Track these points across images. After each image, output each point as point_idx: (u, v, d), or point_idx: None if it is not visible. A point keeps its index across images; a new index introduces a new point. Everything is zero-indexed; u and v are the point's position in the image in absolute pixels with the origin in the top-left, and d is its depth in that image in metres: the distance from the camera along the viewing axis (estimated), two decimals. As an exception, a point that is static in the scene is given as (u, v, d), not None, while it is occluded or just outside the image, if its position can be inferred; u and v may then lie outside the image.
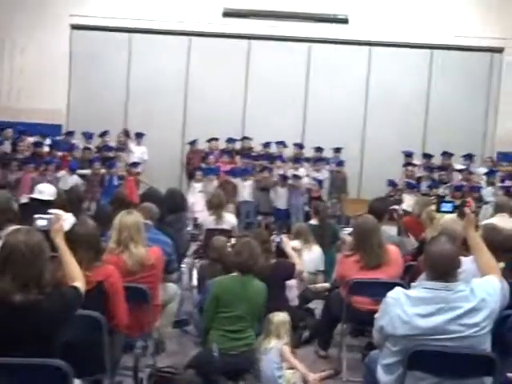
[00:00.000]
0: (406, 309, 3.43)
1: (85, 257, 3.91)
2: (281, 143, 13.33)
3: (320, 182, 12.10)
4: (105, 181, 11.61)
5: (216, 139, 13.34)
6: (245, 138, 13.64)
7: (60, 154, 12.10)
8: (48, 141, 12.48)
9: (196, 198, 10.96)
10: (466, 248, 4.24)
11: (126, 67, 14.39)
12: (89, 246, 3.99)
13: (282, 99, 14.10)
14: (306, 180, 12.27)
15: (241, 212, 11.37)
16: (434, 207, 6.35)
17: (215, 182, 11.59)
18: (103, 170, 11.68)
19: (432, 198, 8.92)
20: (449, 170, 12.45)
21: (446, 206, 4.31)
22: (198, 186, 11.58)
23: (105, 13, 14.02)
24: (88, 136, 13.06)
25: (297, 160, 12.79)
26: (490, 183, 11.59)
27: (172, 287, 5.63)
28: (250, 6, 14.10)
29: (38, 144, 11.97)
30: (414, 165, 12.55)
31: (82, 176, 11.41)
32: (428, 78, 14.29)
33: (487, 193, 11.37)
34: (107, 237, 4.92)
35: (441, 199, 4.54)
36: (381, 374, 3.64)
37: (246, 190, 11.96)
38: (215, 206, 7.86)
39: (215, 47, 14.26)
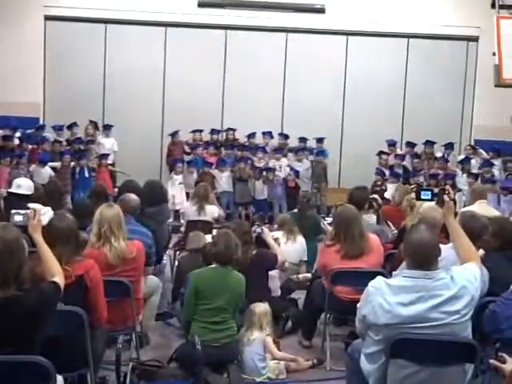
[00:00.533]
0: (387, 298, 3.45)
1: (64, 251, 3.88)
2: (267, 134, 13.30)
3: (297, 172, 12.14)
4: (76, 173, 11.53)
5: (200, 131, 13.31)
6: (229, 129, 13.59)
7: (30, 147, 11.94)
8: (18, 134, 12.31)
9: (176, 190, 10.94)
10: (445, 235, 4.28)
11: (102, 58, 14.23)
12: (67, 240, 3.96)
13: (259, 89, 14.06)
14: (287, 170, 12.31)
15: (221, 203, 11.38)
16: (413, 195, 6.42)
17: (195, 174, 11.57)
18: (73, 163, 11.60)
19: (412, 186, 9.01)
20: (431, 159, 12.52)
21: (426, 194, 4.33)
22: (178, 177, 11.56)
23: (79, 3, 13.81)
24: (58, 128, 12.90)
25: (280, 150, 12.80)
26: (466, 171, 11.66)
27: (154, 280, 5.61)
28: (225, -5, 14.04)
29: (7, 137, 11.75)
30: (387, 153, 12.61)
31: (53, 169, 11.31)
32: (405, 67, 14.34)
33: (462, 180, 11.49)
34: (88, 230, 4.88)
35: (420, 187, 4.57)
36: (364, 363, 3.66)
37: (223, 180, 11.97)
38: (200, 197, 7.85)
39: (192, 38, 14.17)
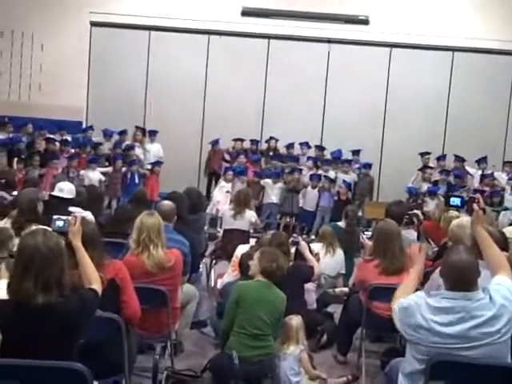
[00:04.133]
0: (425, 315, 3.39)
1: (94, 255, 3.85)
2: (305, 144, 13.28)
3: (349, 184, 11.93)
4: (127, 179, 11.64)
5: (242, 140, 13.32)
6: (271, 139, 13.58)
7: (72, 150, 12.10)
8: (68, 138, 12.53)
9: (222, 197, 10.89)
10: (478, 252, 4.15)
11: (145, 65, 14.40)
12: (95, 243, 3.94)
13: (301, 100, 14.05)
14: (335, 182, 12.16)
15: (262, 213, 11.33)
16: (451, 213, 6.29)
17: (244, 184, 11.41)
18: (124, 168, 11.72)
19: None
20: (463, 175, 12.29)
21: (455, 201, 4.22)
22: (226, 185, 11.44)
23: (124, 10, 14.04)
24: (109, 134, 13.08)
25: (323, 162, 12.67)
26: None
27: (190, 288, 5.61)
28: (268, 5, 14.05)
29: (50, 140, 11.93)
30: (431, 167, 12.42)
31: (103, 173, 11.47)
32: (449, 81, 14.17)
33: (510, 198, 11.16)
34: (129, 237, 4.91)
35: (450, 194, 4.44)
36: (402, 382, 3.59)
37: (274, 192, 11.87)
38: (239, 201, 7.84)
39: (234, 46, 14.24)
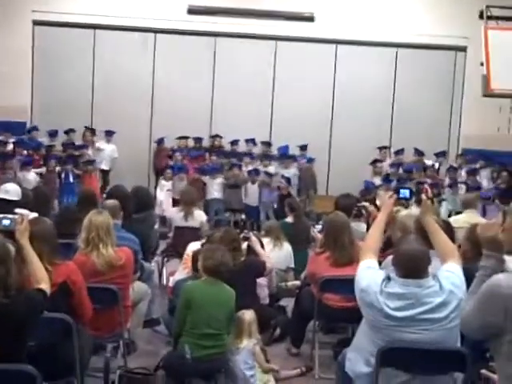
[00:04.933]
0: (378, 297, 3.49)
1: (43, 251, 3.80)
2: (251, 141, 13.39)
3: (288, 179, 12.11)
4: (61, 178, 11.51)
5: (186, 137, 13.33)
6: (216, 136, 13.63)
7: (25, 152, 11.91)
8: (12, 139, 12.26)
9: (165, 196, 10.88)
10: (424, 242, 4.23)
11: (90, 64, 14.19)
12: (45, 239, 3.89)
13: (248, 97, 14.08)
14: (275, 178, 12.31)
15: (209, 210, 11.34)
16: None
17: (185, 181, 11.49)
18: (58, 168, 11.54)
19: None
20: (419, 167, 12.56)
21: (404, 193, 4.30)
22: (167, 184, 11.49)
23: (68, 8, 13.79)
24: (52, 134, 12.87)
25: (266, 157, 12.82)
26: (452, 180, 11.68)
27: (142, 286, 5.57)
28: (215, 3, 14.03)
29: (2, 143, 11.76)
30: (381, 161, 12.64)
31: (39, 174, 11.28)
32: (393, 76, 14.42)
33: (448, 190, 11.50)
34: (76, 237, 4.84)
35: (399, 186, 4.48)
36: (352, 363, 3.66)
37: (214, 187, 11.93)
38: (186, 202, 7.80)
39: (181, 44, 14.17)
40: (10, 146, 11.99)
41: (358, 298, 3.65)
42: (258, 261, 5.91)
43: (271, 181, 12.11)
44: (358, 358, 3.65)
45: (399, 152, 13.13)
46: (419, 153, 12.90)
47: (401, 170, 12.55)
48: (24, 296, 3.16)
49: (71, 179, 11.55)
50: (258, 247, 6.06)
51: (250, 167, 12.43)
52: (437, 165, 12.74)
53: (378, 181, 11.93)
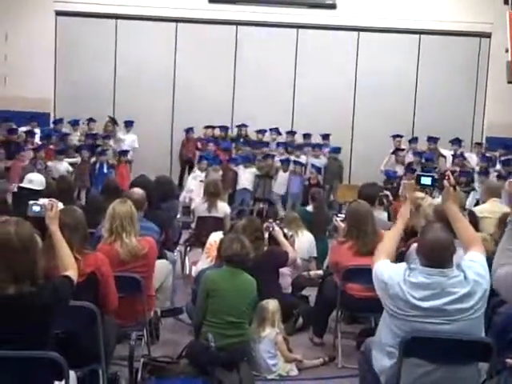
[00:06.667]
0: (403, 287, 3.45)
1: (73, 239, 3.83)
2: (275, 130, 13.31)
3: (319, 169, 12.03)
4: (95, 169, 11.54)
5: (213, 127, 13.30)
6: (242, 126, 13.57)
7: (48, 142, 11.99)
8: (37, 130, 12.36)
9: (196, 186, 10.80)
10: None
11: (112, 54, 14.26)
12: (75, 228, 3.93)
13: (270, 85, 14.05)
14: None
15: (235, 199, 11.31)
16: (419, 194, 6.31)
17: (220, 172, 11.15)
18: (93, 158, 11.60)
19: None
20: (435, 156, 12.43)
21: (425, 180, 4.16)
22: (200, 174, 11.32)
23: (89, -2, 13.87)
24: (73, 123, 12.94)
25: (299, 146, 12.74)
26: (483, 169, 11.47)
27: (164, 263, 5.58)
28: (236, -9, 14.01)
29: (13, 131, 11.79)
30: (403, 149, 12.52)
31: (71, 164, 11.33)
32: (416, 63, 14.28)
33: (478, 179, 11.30)
34: (100, 226, 4.87)
35: (420, 174, 4.31)
36: (376, 359, 3.64)
37: (246, 177, 11.87)
38: (211, 194, 7.81)
39: (202, 33, 14.16)
40: (37, 138, 12.05)
41: (379, 293, 3.59)
42: (281, 250, 5.92)
43: (302, 170, 12.02)
44: (382, 354, 3.62)
45: (412, 140, 12.95)
46: (434, 140, 12.72)
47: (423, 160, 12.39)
48: (50, 284, 3.18)
49: (105, 170, 11.60)
50: (280, 237, 6.06)
51: (282, 157, 12.35)
52: (451, 153, 12.49)
53: (399, 170, 11.82)
